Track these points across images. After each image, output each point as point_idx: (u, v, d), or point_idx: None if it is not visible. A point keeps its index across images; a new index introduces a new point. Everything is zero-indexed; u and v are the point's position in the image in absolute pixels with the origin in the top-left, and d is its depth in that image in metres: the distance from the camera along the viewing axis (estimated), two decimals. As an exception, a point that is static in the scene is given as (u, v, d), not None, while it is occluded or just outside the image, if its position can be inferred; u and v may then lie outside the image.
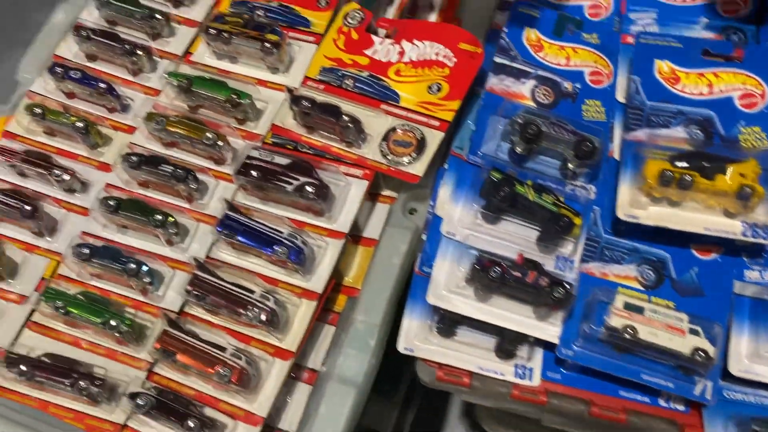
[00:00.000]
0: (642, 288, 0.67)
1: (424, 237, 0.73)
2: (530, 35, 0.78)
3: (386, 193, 0.76)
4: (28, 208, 0.71)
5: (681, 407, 0.65)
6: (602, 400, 0.66)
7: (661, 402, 0.66)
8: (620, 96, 0.76)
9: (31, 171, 0.75)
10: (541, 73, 0.76)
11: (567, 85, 0.76)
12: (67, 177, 0.74)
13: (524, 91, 0.76)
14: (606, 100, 0.75)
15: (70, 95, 0.81)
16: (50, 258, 0.73)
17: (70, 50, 0.83)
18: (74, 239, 0.71)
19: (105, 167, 0.77)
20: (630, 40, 0.78)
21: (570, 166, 0.70)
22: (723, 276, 0.67)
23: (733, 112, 0.69)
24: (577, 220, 0.66)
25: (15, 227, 0.74)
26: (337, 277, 0.71)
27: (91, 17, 0.85)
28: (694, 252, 0.68)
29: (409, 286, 0.71)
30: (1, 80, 0.91)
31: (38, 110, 0.76)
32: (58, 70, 0.78)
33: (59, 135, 0.79)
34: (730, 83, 0.70)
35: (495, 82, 0.76)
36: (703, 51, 0.73)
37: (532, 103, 0.75)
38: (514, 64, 0.76)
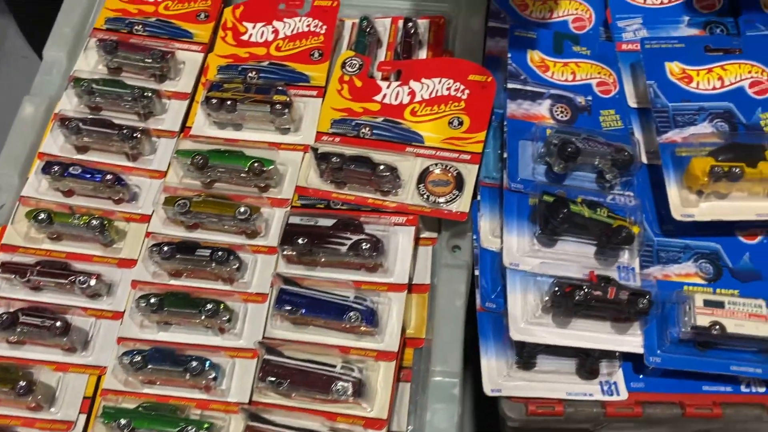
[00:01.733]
0: (704, 282, 0.69)
1: (476, 272, 0.72)
2: (534, 57, 0.79)
3: (425, 234, 0.74)
4: (59, 324, 0.64)
5: (762, 389, 0.67)
6: (692, 399, 0.66)
7: (743, 389, 0.67)
8: (631, 102, 0.78)
9: (48, 283, 0.68)
10: (554, 91, 0.77)
11: (580, 100, 0.77)
12: (93, 282, 0.67)
13: (543, 111, 0.76)
14: (619, 108, 0.77)
15: (69, 193, 0.74)
16: (88, 373, 0.66)
17: (56, 144, 0.77)
18: (118, 348, 0.65)
19: (126, 263, 0.71)
20: (624, 47, 0.81)
21: (607, 176, 0.72)
22: (774, 255, 0.69)
23: (749, 100, 0.73)
24: (636, 229, 0.67)
25: (42, 348, 0.67)
26: (399, 330, 0.69)
27: (71, 105, 0.79)
28: (741, 238, 0.70)
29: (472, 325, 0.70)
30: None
31: (43, 215, 0.69)
32: (55, 168, 0.72)
33: (66, 238, 0.72)
34: (738, 74, 0.74)
35: (514, 108, 0.76)
36: (705, 47, 0.76)
37: (552, 122, 0.76)
38: (527, 87, 0.77)
